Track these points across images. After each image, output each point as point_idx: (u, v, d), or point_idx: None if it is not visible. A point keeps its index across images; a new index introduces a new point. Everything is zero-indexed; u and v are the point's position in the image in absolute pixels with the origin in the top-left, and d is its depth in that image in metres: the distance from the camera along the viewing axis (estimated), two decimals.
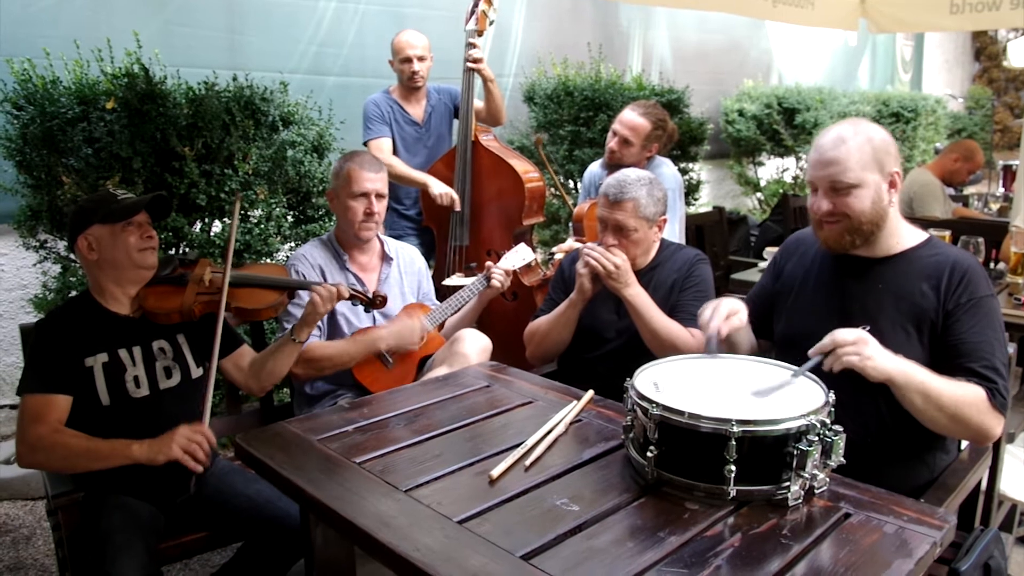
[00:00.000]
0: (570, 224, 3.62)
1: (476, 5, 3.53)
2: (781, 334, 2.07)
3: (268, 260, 3.36)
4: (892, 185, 1.85)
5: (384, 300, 2.43)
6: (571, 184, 5.15)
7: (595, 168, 3.56)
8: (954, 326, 1.79)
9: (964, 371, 1.75)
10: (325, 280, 2.54)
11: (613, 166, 3.20)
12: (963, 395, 1.70)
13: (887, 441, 1.85)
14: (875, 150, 1.82)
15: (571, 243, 3.29)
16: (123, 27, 3.27)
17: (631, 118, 3.22)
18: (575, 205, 4.22)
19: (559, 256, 3.11)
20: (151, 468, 2.01)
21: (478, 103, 3.75)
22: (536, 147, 4.17)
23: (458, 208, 3.55)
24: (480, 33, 3.56)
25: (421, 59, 3.63)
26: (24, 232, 3.09)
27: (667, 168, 3.30)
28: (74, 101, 2.93)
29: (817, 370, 1.68)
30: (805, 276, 2.04)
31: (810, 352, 1.70)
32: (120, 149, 2.89)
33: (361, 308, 2.47)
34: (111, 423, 2.01)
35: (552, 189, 5.07)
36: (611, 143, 3.26)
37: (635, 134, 3.20)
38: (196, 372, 2.19)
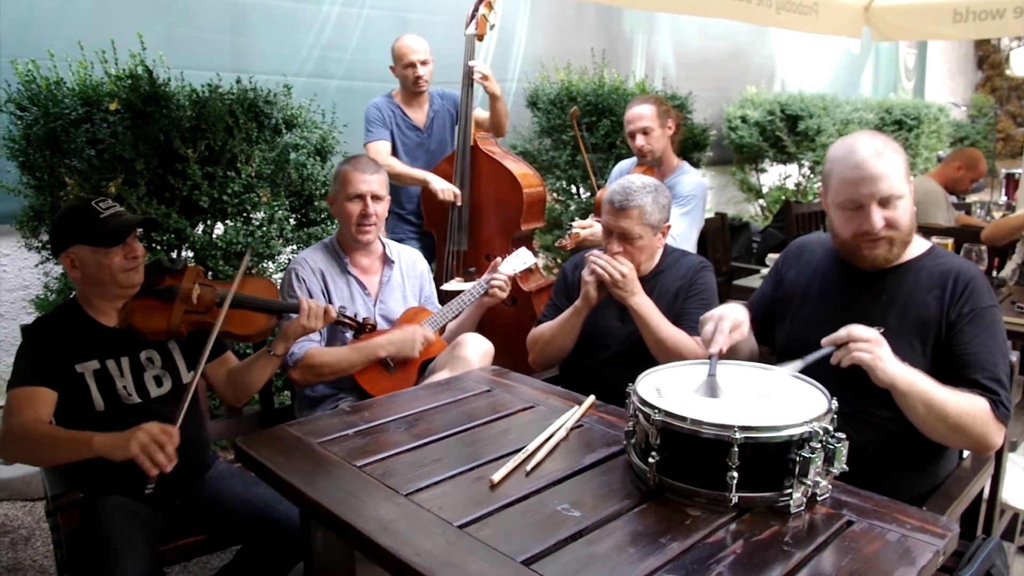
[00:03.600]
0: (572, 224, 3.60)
1: (476, 9, 3.53)
2: (783, 342, 2.06)
3: (269, 262, 3.36)
4: (911, 194, 1.85)
5: (374, 326, 2.37)
6: (573, 189, 5.15)
7: (625, 164, 3.60)
8: (957, 336, 1.78)
9: (967, 382, 1.74)
10: (327, 285, 2.54)
11: (651, 163, 3.28)
12: (966, 406, 1.69)
13: (889, 451, 1.83)
14: (904, 158, 1.81)
15: (591, 220, 3.28)
16: (127, 29, 3.27)
17: (637, 111, 3.29)
18: (581, 201, 4.23)
19: (576, 230, 3.10)
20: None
21: (481, 112, 3.75)
22: (571, 119, 4.14)
23: (460, 203, 3.54)
24: (480, 38, 3.56)
25: (424, 63, 3.64)
26: (26, 233, 3.09)
27: (690, 176, 3.31)
28: (77, 102, 2.93)
29: (823, 369, 1.67)
30: (808, 285, 2.02)
31: (823, 341, 1.69)
32: (123, 150, 2.89)
33: (356, 332, 2.41)
34: (106, 428, 1.99)
35: (561, 183, 5.04)
36: (636, 143, 3.29)
37: (649, 119, 3.26)
38: (187, 378, 2.16)
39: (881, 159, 1.78)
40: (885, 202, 1.79)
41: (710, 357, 1.74)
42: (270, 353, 2.22)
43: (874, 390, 1.70)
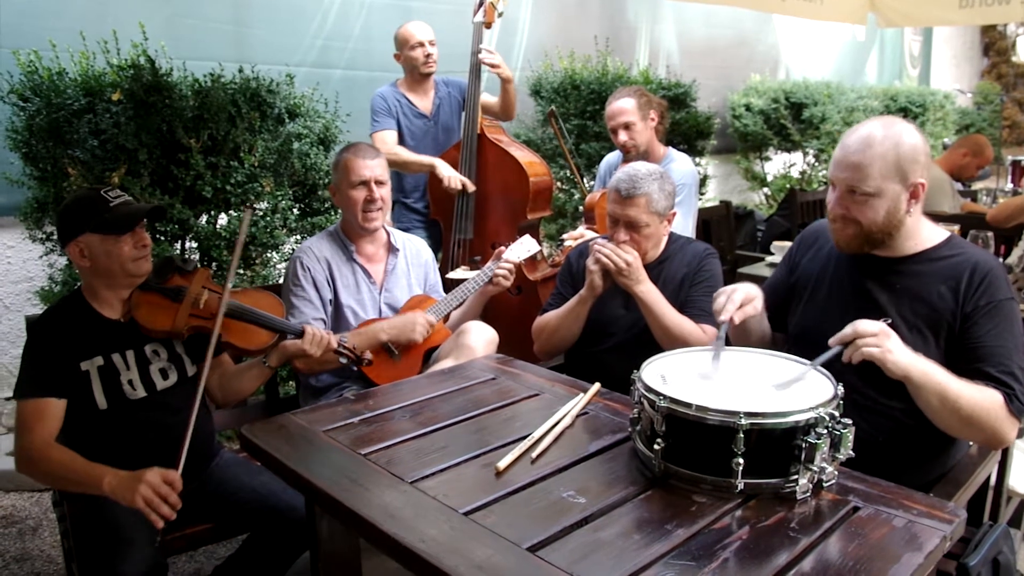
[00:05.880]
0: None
1: None
2: (795, 328, 2.04)
3: (274, 253, 3.36)
4: (914, 195, 1.78)
5: (370, 361, 2.33)
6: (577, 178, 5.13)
7: (612, 157, 3.54)
8: (972, 329, 1.75)
9: (980, 375, 1.71)
10: (332, 274, 2.54)
11: (636, 158, 3.20)
12: (980, 399, 1.66)
13: (901, 442, 1.82)
14: (900, 158, 1.74)
15: (582, 231, 3.27)
16: (129, 19, 3.27)
17: (618, 106, 3.23)
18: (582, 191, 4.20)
19: (569, 243, 3.09)
20: (155, 461, 2.00)
21: (488, 97, 3.74)
22: (548, 120, 4.12)
23: (471, 189, 3.53)
24: (488, 25, 3.55)
25: (432, 43, 3.64)
26: (30, 224, 3.09)
27: (679, 164, 3.27)
28: (80, 93, 2.93)
29: (835, 362, 1.66)
30: (821, 272, 2.00)
31: (830, 341, 1.67)
32: (126, 141, 2.89)
33: (352, 365, 2.35)
34: (110, 427, 2.01)
35: (566, 172, 5.04)
36: (619, 139, 3.24)
37: (630, 114, 3.21)
38: (192, 370, 2.16)
39: (868, 151, 1.75)
40: (852, 192, 1.78)
41: (719, 325, 1.76)
42: (265, 364, 2.22)
43: (891, 382, 1.68)
